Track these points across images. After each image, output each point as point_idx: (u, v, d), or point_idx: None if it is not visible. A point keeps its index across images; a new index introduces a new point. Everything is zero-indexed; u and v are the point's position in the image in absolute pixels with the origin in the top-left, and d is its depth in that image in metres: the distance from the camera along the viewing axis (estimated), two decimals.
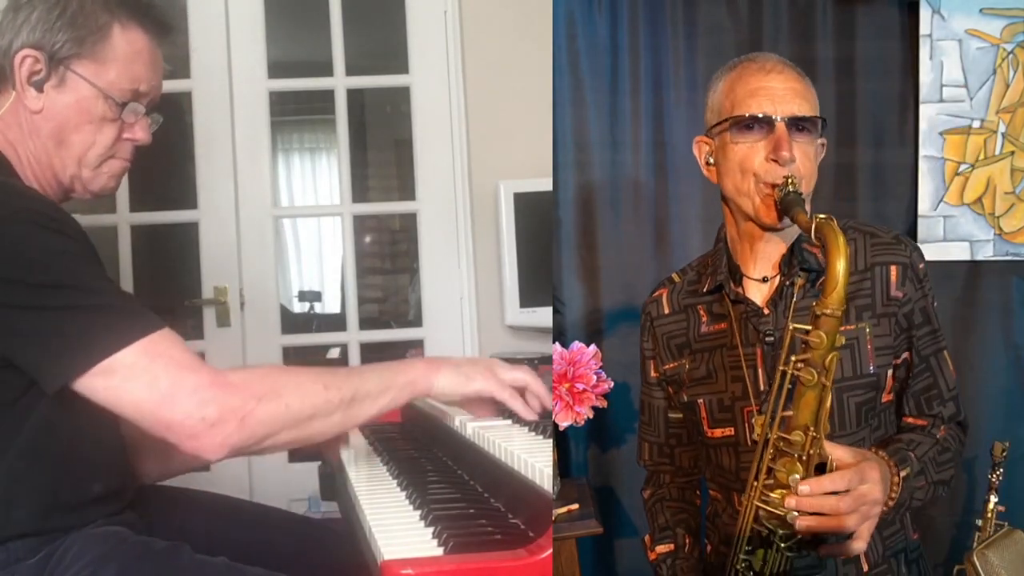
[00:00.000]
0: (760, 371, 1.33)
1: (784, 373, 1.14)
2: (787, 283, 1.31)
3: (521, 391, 1.37)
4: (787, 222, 1.25)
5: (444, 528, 1.07)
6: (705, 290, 1.41)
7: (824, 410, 1.10)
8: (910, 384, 1.35)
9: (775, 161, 1.25)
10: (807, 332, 1.12)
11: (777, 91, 1.27)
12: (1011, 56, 2.31)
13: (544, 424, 1.33)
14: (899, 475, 1.21)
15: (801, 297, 1.30)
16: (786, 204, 1.21)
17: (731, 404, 1.35)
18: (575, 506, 2.01)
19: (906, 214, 2.38)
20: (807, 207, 1.24)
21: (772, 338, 1.31)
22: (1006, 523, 1.89)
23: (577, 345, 2.00)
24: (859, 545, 1.09)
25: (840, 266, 1.09)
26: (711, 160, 1.36)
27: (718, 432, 1.37)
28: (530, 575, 0.94)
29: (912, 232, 2.36)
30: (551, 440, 1.33)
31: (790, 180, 1.22)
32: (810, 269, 1.31)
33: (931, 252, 2.34)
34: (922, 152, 2.34)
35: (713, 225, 2.35)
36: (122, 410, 1.14)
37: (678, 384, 1.45)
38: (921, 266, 1.33)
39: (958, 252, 2.34)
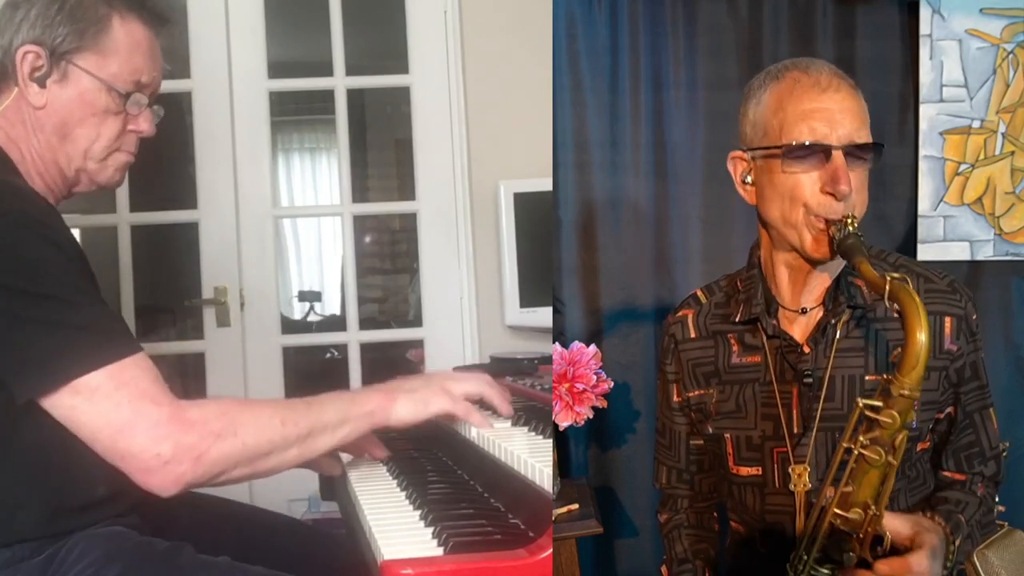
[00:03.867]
0: (795, 412, 1.24)
1: (850, 450, 1.06)
2: (831, 320, 1.22)
3: (478, 402, 1.38)
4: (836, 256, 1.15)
5: (444, 528, 1.07)
6: (738, 319, 1.31)
7: (887, 488, 1.04)
8: (951, 440, 1.28)
9: (831, 194, 1.14)
10: (876, 410, 1.04)
11: (834, 113, 1.15)
12: (1011, 56, 2.31)
13: (544, 424, 1.33)
14: (955, 543, 1.16)
15: (844, 336, 1.22)
16: (846, 249, 1.11)
17: (761, 443, 1.27)
18: (575, 506, 2.01)
19: (906, 214, 2.38)
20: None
21: (811, 378, 1.22)
22: (1006, 523, 1.88)
23: (577, 345, 2.00)
24: None
25: (922, 340, 1.00)
26: (748, 179, 1.25)
27: (744, 470, 1.30)
28: (530, 575, 0.94)
29: (912, 232, 2.36)
30: (551, 440, 1.33)
31: (850, 220, 1.12)
32: (855, 305, 1.22)
33: (931, 252, 2.35)
34: (922, 152, 2.34)
35: (713, 225, 2.38)
36: (79, 432, 1.12)
37: (703, 414, 1.37)
38: (974, 317, 1.25)
39: (958, 252, 2.34)
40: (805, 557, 1.11)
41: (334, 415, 1.25)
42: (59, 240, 1.16)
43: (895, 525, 1.06)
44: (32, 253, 1.13)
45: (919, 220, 2.35)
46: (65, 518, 1.19)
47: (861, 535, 1.05)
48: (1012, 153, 2.33)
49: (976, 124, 2.33)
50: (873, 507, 1.04)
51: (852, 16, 2.35)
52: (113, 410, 1.10)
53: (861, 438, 1.05)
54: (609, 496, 2.40)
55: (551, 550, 0.95)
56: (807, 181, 1.16)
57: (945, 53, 2.32)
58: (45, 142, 1.30)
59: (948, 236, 2.33)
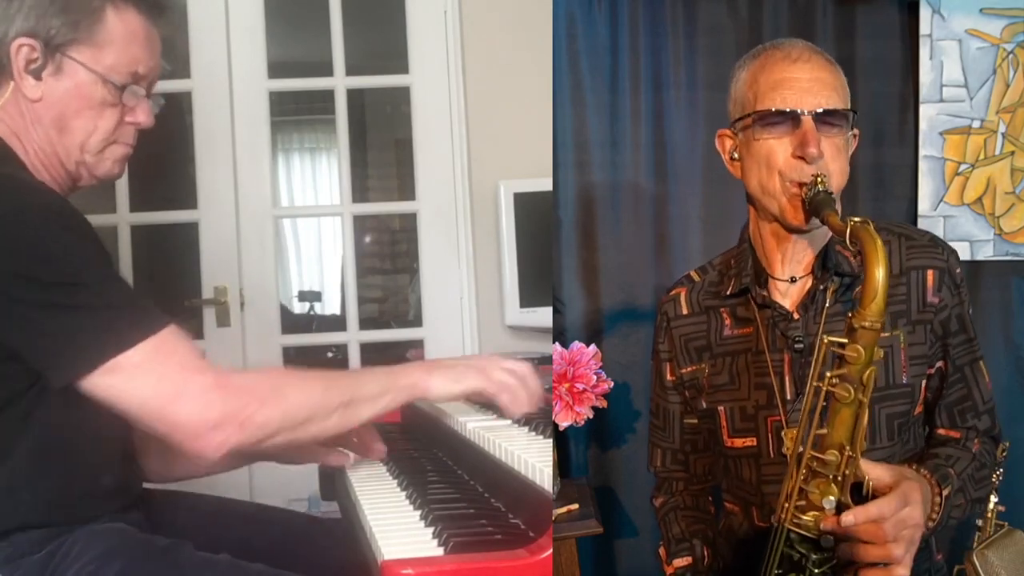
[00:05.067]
0: (787, 379, 1.26)
1: (818, 389, 1.06)
2: (819, 287, 1.24)
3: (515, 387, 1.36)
4: (816, 223, 1.18)
5: (444, 528, 1.07)
6: (729, 292, 1.34)
7: (861, 428, 1.04)
8: (943, 395, 1.29)
9: (801, 158, 1.18)
10: (843, 346, 1.04)
11: (803, 82, 1.20)
12: (1011, 56, 2.31)
13: (544, 424, 1.33)
14: (941, 494, 1.16)
15: (833, 303, 1.24)
16: (815, 205, 1.14)
17: (754, 413, 1.29)
18: (575, 506, 2.01)
19: (906, 214, 2.38)
20: (838, 206, 1.18)
21: (801, 344, 1.25)
22: (1006, 523, 1.88)
23: (577, 345, 2.00)
24: (901, 572, 1.02)
25: (879, 275, 1.02)
26: (735, 155, 1.29)
27: (739, 442, 1.31)
28: (530, 575, 0.94)
29: None
30: (551, 440, 1.33)
31: (820, 179, 1.15)
32: (843, 274, 1.24)
33: None
34: (922, 152, 2.34)
35: (713, 225, 2.38)
36: (126, 408, 1.14)
37: (696, 389, 1.38)
38: (958, 271, 1.27)
39: (958, 252, 2.34)
40: (787, 504, 1.10)
41: (375, 386, 1.26)
42: (77, 227, 1.17)
43: (877, 473, 1.06)
44: (53, 242, 1.13)
45: (919, 220, 2.35)
46: (67, 508, 1.20)
47: (839, 477, 1.05)
48: (1012, 153, 2.33)
49: (976, 124, 2.33)
50: (848, 448, 1.04)
51: (852, 16, 2.35)
52: (158, 383, 1.11)
53: (828, 375, 1.05)
54: (609, 496, 2.40)
55: (551, 550, 0.95)
56: (779, 148, 1.20)
57: (945, 53, 2.32)
58: (44, 135, 1.29)
59: (948, 236, 2.33)
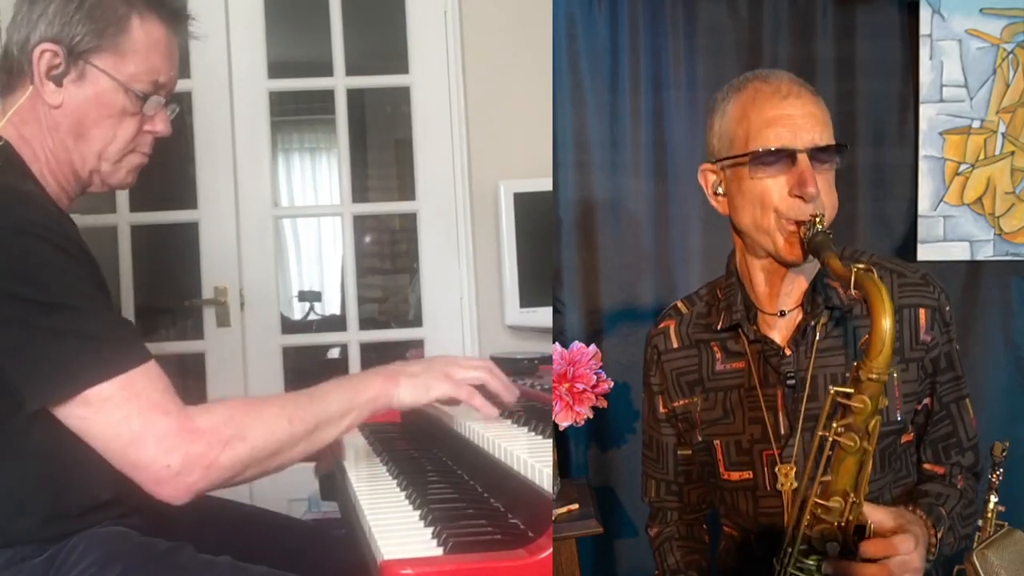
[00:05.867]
0: (780, 414, 1.26)
1: (824, 439, 1.08)
2: (810, 322, 1.25)
3: (480, 388, 1.36)
4: (810, 258, 1.18)
5: (444, 528, 1.07)
6: (719, 327, 1.33)
7: (865, 475, 1.05)
8: (929, 431, 1.30)
9: (799, 197, 1.17)
10: (848, 396, 1.05)
11: (796, 119, 1.19)
12: (1011, 56, 2.31)
13: (544, 424, 1.33)
14: (936, 536, 1.17)
15: (824, 337, 1.24)
16: (815, 246, 1.14)
17: (749, 447, 1.29)
18: (575, 506, 2.01)
19: (906, 214, 2.38)
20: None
21: (793, 380, 1.25)
22: (1006, 523, 1.88)
23: (577, 345, 2.00)
24: None
25: (886, 325, 1.03)
26: (719, 190, 1.28)
27: (735, 475, 1.31)
28: (530, 575, 0.94)
29: (912, 232, 2.36)
30: (551, 440, 1.33)
31: (818, 219, 1.14)
32: (833, 307, 1.25)
33: (931, 252, 2.35)
34: (922, 152, 2.34)
35: (713, 225, 2.37)
36: (91, 441, 1.13)
37: (690, 423, 1.39)
38: (947, 308, 1.28)
39: (958, 252, 2.35)
40: (790, 550, 1.12)
41: (338, 406, 1.25)
42: (68, 247, 1.15)
43: (879, 517, 1.08)
44: (40, 261, 1.12)
45: (919, 220, 2.35)
46: (67, 521, 1.19)
47: (843, 524, 1.07)
48: (1012, 153, 2.33)
49: (976, 124, 2.33)
50: (852, 495, 1.06)
51: (852, 16, 2.35)
52: (123, 421, 1.10)
53: (835, 425, 1.07)
54: (609, 496, 2.40)
55: (551, 550, 0.95)
56: (775, 186, 1.19)
57: (945, 53, 2.32)
58: (60, 142, 1.28)
59: (948, 236, 2.33)
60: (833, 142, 1.21)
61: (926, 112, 2.34)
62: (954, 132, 2.33)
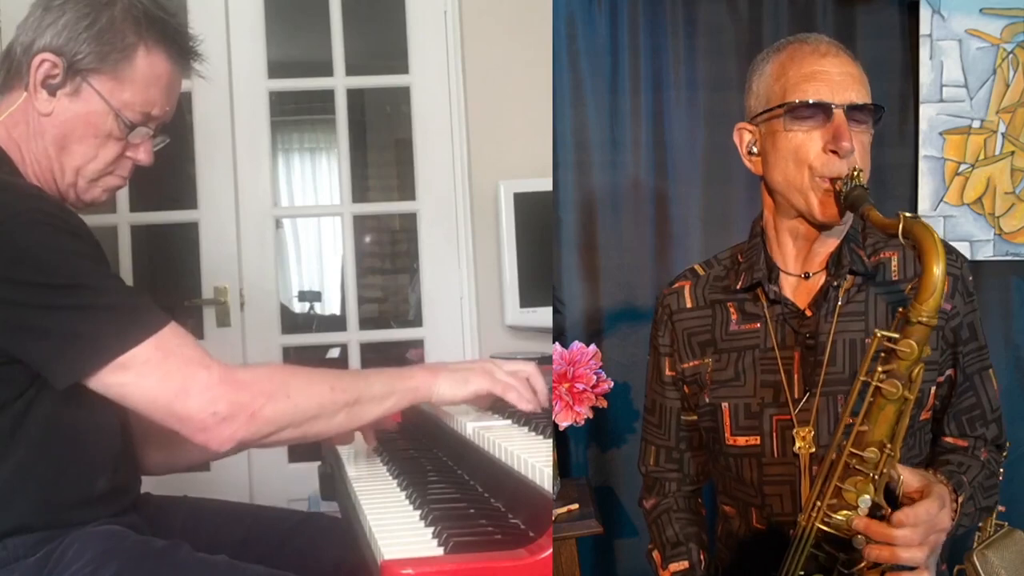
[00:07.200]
0: (796, 377, 1.24)
1: (866, 384, 1.05)
2: (833, 284, 1.23)
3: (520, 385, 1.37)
4: (841, 220, 1.17)
5: (444, 528, 1.07)
6: (739, 287, 1.31)
7: (902, 426, 1.03)
8: (953, 403, 1.28)
9: (834, 152, 1.16)
10: (895, 340, 1.03)
11: (834, 75, 1.18)
12: (1011, 56, 2.31)
13: (544, 424, 1.33)
14: (958, 501, 1.15)
15: (845, 302, 1.23)
16: (852, 200, 1.12)
17: (759, 411, 1.26)
18: (575, 506, 2.01)
19: None
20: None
21: (813, 342, 1.23)
22: (1006, 523, 1.88)
23: (577, 345, 2.00)
24: None
25: (938, 270, 1.01)
26: (754, 149, 1.27)
27: (741, 440, 1.28)
28: (530, 575, 0.94)
29: None
30: (551, 440, 1.33)
31: (856, 172, 1.13)
32: (858, 272, 1.23)
33: None
34: (922, 152, 2.34)
35: (713, 225, 2.38)
36: (135, 405, 1.16)
37: (699, 385, 1.35)
38: (970, 278, 1.26)
39: None
40: (819, 503, 1.08)
41: (380, 387, 1.28)
42: (75, 230, 1.18)
43: (906, 476, 1.05)
44: (55, 246, 1.14)
45: None
46: (63, 511, 1.20)
47: (876, 476, 1.04)
48: (1012, 153, 2.33)
49: (976, 124, 2.33)
50: (889, 446, 1.03)
51: (852, 16, 2.35)
52: (165, 379, 1.13)
53: (879, 370, 1.04)
54: (609, 496, 2.40)
55: (551, 550, 0.95)
56: (810, 141, 1.19)
57: (945, 53, 2.32)
58: (43, 149, 1.30)
59: (948, 236, 2.33)
60: (870, 102, 1.20)
61: (926, 112, 2.34)
62: (954, 132, 2.33)
